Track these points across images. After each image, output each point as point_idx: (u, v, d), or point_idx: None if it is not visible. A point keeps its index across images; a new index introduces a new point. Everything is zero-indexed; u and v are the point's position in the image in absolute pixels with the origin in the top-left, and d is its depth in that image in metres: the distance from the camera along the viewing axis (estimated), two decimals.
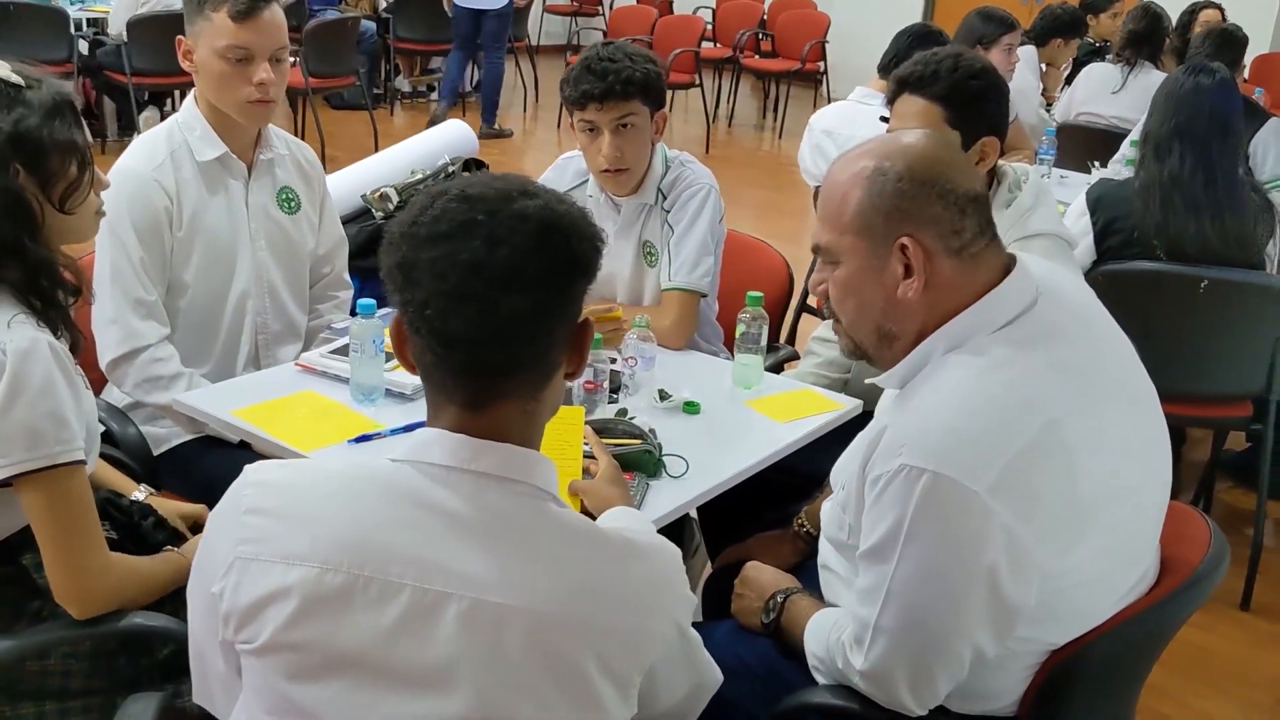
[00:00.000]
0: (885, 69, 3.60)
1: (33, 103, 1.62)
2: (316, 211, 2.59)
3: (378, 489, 1.18)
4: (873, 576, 1.48)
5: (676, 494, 1.94)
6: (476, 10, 8.24)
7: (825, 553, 1.77)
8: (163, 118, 7.59)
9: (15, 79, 1.63)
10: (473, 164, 3.13)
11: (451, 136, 3.32)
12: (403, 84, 9.75)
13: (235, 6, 2.26)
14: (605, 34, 9.83)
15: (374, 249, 2.90)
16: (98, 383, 2.40)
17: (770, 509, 2.33)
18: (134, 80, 6.84)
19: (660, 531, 2.60)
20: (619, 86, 2.43)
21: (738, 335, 2.36)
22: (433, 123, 8.15)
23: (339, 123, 8.38)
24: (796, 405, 2.29)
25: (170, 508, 1.99)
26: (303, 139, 7.77)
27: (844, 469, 1.78)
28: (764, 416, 2.25)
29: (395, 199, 2.96)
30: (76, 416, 1.62)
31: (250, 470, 1.23)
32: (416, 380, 2.20)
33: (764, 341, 2.35)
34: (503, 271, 1.12)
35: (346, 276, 2.70)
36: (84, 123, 1.71)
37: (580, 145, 2.56)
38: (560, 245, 1.15)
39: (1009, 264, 1.55)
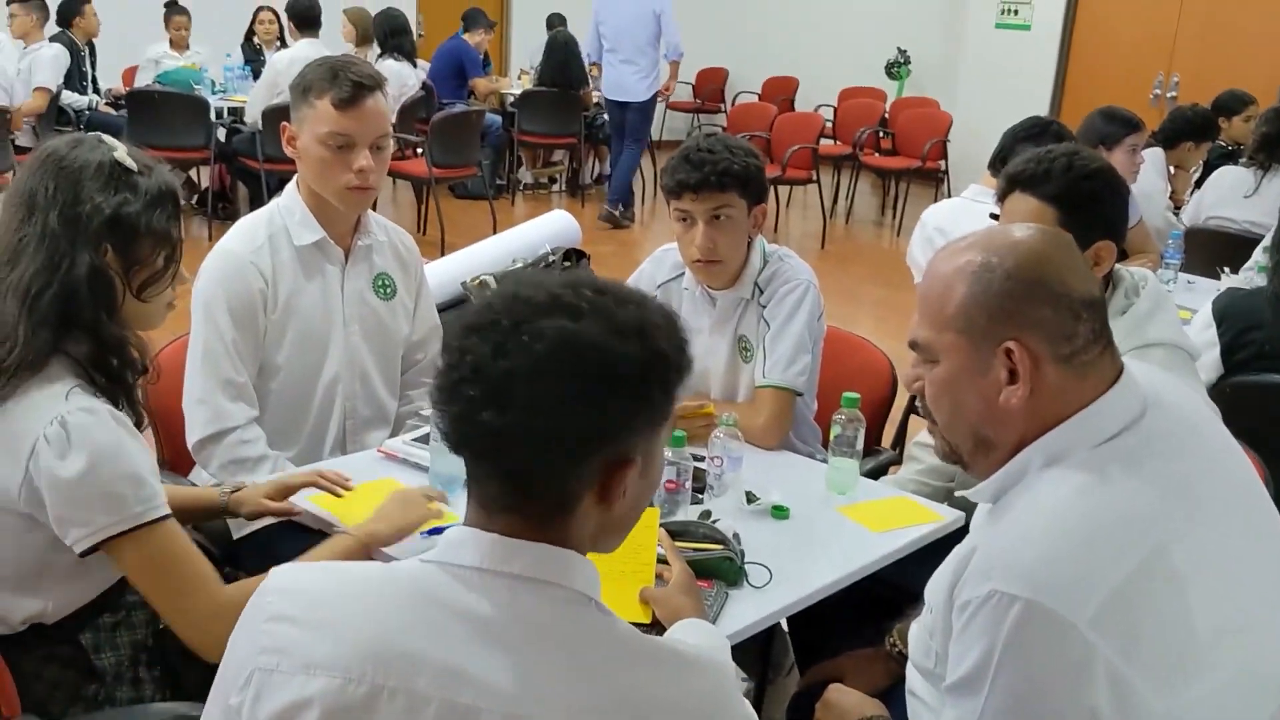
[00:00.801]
0: (994, 165, 3.49)
1: (139, 188, 1.65)
2: (412, 298, 2.59)
3: (405, 592, 1.11)
4: (959, 713, 1.36)
5: (758, 606, 1.83)
6: (621, 102, 8.53)
7: (913, 679, 1.64)
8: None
9: (129, 163, 1.66)
10: (574, 254, 3.11)
11: (556, 226, 3.32)
12: (525, 175, 9.93)
13: (339, 94, 2.29)
14: (725, 130, 9.91)
15: None
16: (185, 464, 2.41)
17: (865, 623, 2.20)
18: (266, 166, 7.08)
19: (749, 644, 2.51)
20: (714, 178, 2.38)
21: (832, 437, 2.26)
22: (605, 219, 8.50)
23: (461, 211, 8.55)
24: (893, 514, 2.17)
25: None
26: (425, 227, 7.97)
27: (935, 588, 1.66)
28: (858, 525, 2.13)
29: (493, 286, 2.95)
30: (153, 475, 1.62)
31: (275, 574, 1.18)
32: None
33: (860, 445, 2.24)
34: (492, 385, 1.05)
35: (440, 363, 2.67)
36: (181, 216, 1.73)
37: (676, 235, 2.52)
38: (571, 378, 1.06)
39: (1119, 374, 1.43)
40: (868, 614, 2.22)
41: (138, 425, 1.69)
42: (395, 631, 1.08)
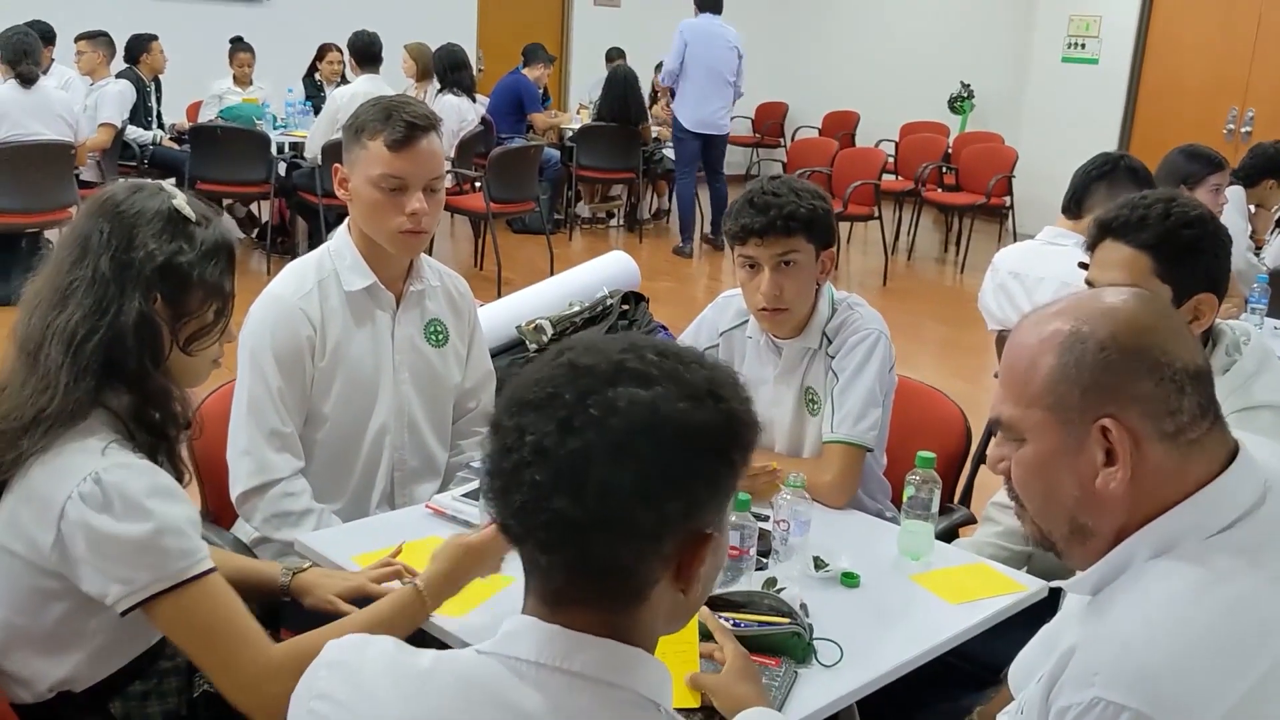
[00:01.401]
0: (1069, 208, 3.35)
1: (195, 238, 1.60)
2: (465, 344, 2.50)
3: (457, 685, 1.01)
4: None
5: (828, 686, 1.70)
6: (701, 135, 8.64)
7: None
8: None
9: (188, 212, 1.61)
10: (633, 297, 3.01)
11: (614, 269, 3.22)
12: (583, 210, 9.90)
13: (392, 135, 2.21)
14: (785, 165, 9.80)
15: None
16: (228, 517, 2.33)
17: (940, 698, 2.07)
18: (325, 201, 7.08)
19: None
20: (780, 222, 2.27)
21: (905, 499, 2.12)
22: (677, 252, 8.61)
23: (518, 246, 8.51)
24: (971, 584, 2.03)
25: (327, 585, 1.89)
26: (481, 262, 7.93)
27: (1023, 673, 1.52)
28: (933, 595, 1.99)
29: (550, 331, 2.86)
30: (194, 528, 1.55)
31: (330, 648, 1.09)
32: None
33: (935, 508, 2.11)
34: (563, 467, 0.95)
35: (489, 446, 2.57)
36: (234, 271, 1.67)
37: (740, 282, 2.40)
38: (652, 452, 0.96)
39: (1234, 451, 1.29)
40: (943, 686, 2.08)
41: (178, 481, 1.61)
42: None
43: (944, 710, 2.01)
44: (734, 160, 11.55)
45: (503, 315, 3.02)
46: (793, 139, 11.56)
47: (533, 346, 2.87)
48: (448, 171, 7.64)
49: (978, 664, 2.01)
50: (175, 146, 7.86)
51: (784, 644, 1.73)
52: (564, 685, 0.98)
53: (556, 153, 9.22)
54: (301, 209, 7.65)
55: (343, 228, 2.38)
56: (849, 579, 1.99)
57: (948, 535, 2.47)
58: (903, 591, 2.01)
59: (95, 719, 1.61)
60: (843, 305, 2.45)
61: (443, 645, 1.72)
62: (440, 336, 2.44)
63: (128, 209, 1.59)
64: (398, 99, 2.34)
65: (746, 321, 2.52)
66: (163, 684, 1.65)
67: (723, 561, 1.11)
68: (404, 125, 2.21)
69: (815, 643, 1.76)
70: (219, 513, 2.38)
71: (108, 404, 1.55)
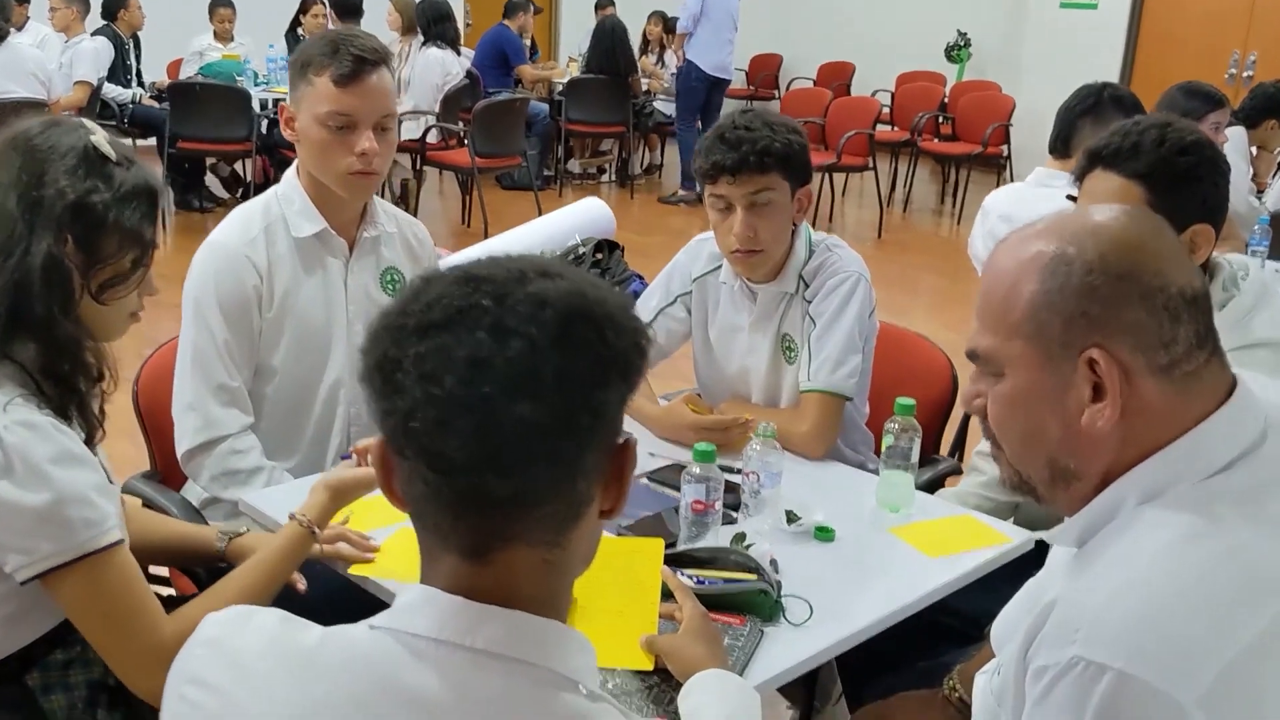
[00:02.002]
0: (1055, 147, 3.21)
1: (114, 179, 1.49)
2: None
3: (346, 666, 0.89)
4: None
5: (796, 646, 1.59)
6: (716, 79, 8.75)
7: None
8: None
9: (106, 150, 1.50)
10: (606, 245, 2.88)
11: (588, 216, 3.09)
12: (573, 166, 9.74)
13: (339, 70, 2.07)
14: None
15: None
16: (177, 478, 2.22)
17: (922, 655, 1.97)
18: None
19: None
20: (753, 158, 2.14)
21: (884, 448, 2.01)
22: (680, 200, 8.62)
23: (507, 203, 8.36)
24: (953, 536, 1.92)
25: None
26: (469, 219, 7.79)
27: (1005, 631, 1.42)
28: (912, 549, 1.88)
29: None
30: (102, 495, 1.44)
31: (208, 623, 0.97)
32: None
33: (915, 457, 2.00)
34: (512, 372, 0.84)
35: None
36: (158, 222, 1.57)
37: (712, 224, 2.28)
38: (591, 340, 0.87)
39: (1232, 386, 1.17)
40: (925, 641, 1.98)
41: (90, 437, 1.51)
42: (323, 717, 0.87)
43: (926, 668, 1.91)
44: (726, 113, 11.37)
45: None
46: (787, 89, 11.36)
47: None
48: (432, 126, 7.55)
49: (962, 619, 1.91)
50: (155, 105, 7.70)
51: (750, 602, 1.62)
52: (468, 665, 0.87)
53: (545, 107, 9.04)
54: (284, 166, 7.49)
55: (291, 171, 2.26)
56: (823, 533, 1.88)
57: (932, 486, 2.37)
58: (880, 545, 1.90)
59: (11, 692, 1.51)
60: (820, 247, 2.33)
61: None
62: (396, 285, 2.31)
63: (41, 144, 1.48)
64: (346, 32, 2.20)
65: (720, 266, 2.40)
66: (86, 652, 1.54)
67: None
68: (351, 59, 2.08)
69: (784, 600, 1.66)
70: (166, 473, 2.27)
71: (13, 356, 1.44)
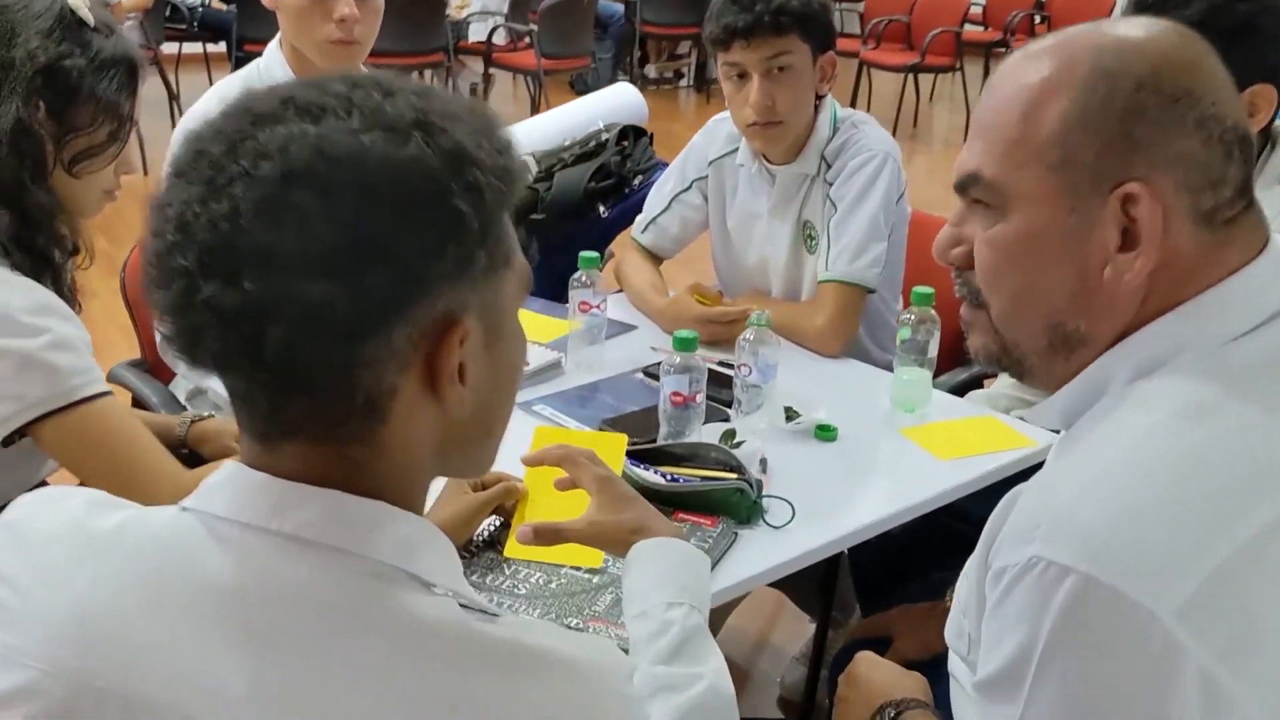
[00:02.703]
0: None
1: (91, 46, 1.43)
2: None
3: (143, 550, 0.76)
4: None
5: (772, 550, 1.45)
6: None
7: (952, 659, 1.24)
8: None
9: (85, 15, 1.43)
10: (631, 131, 2.70)
11: (616, 102, 2.91)
12: (650, 70, 9.48)
13: None
14: (862, 16, 9.20)
15: None
16: (168, 372, 2.14)
17: (936, 565, 1.81)
18: (370, 60, 6.79)
19: (808, 580, 2.14)
20: (768, 19, 1.94)
21: (898, 342, 1.83)
22: None
23: None
24: (969, 438, 1.75)
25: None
26: None
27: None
28: (922, 451, 1.71)
29: (535, 169, 2.59)
30: (88, 349, 1.42)
31: (15, 505, 0.84)
32: None
33: (933, 352, 1.82)
34: (209, 242, 0.69)
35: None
36: (137, 95, 1.50)
37: (726, 96, 2.08)
38: (318, 204, 0.69)
39: (1264, 244, 0.97)
40: (946, 552, 1.82)
41: None
42: (114, 609, 0.74)
43: (941, 579, 1.76)
44: None
45: None
46: None
47: None
48: (498, 27, 7.36)
49: (980, 527, 1.75)
50: (224, 7, 7.63)
51: (724, 502, 1.48)
52: (273, 552, 0.73)
53: (620, 8, 8.77)
54: None
55: (274, 41, 2.12)
56: (824, 432, 1.72)
57: (963, 390, 2.18)
58: (887, 446, 1.74)
59: None
60: (845, 124, 2.13)
61: None
62: None
63: (13, 3, 1.41)
64: None
65: (738, 149, 2.21)
66: None
67: (514, 372, 0.85)
68: None
69: (765, 501, 1.50)
70: (156, 364, 2.19)
71: None
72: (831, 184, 2.09)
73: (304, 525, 0.73)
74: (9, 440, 1.41)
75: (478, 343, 0.77)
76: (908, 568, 1.85)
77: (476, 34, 7.37)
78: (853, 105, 6.98)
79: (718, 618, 2.57)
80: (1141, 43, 0.94)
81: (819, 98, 2.09)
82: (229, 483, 0.76)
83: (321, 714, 0.70)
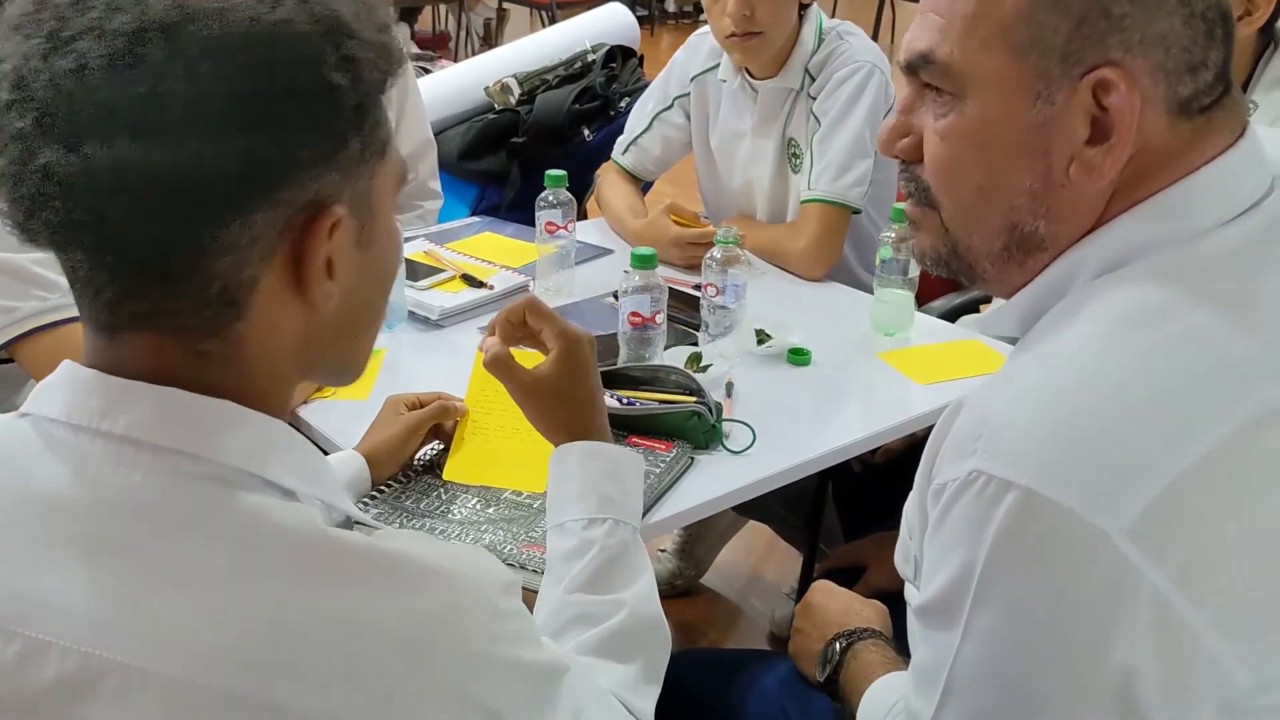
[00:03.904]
0: None
1: None
2: (392, 106, 2.14)
3: None
4: (930, 650, 0.88)
5: (729, 476, 1.38)
6: None
7: (907, 588, 1.17)
8: (413, 35, 7.54)
9: None
10: (619, 52, 2.60)
11: (606, 23, 2.81)
12: (669, 4, 9.29)
13: None
14: None
15: (486, 148, 2.46)
16: None
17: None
18: None
19: (794, 511, 2.07)
20: None
21: (878, 263, 1.75)
22: None
23: None
24: (950, 362, 1.67)
25: None
26: None
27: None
28: (899, 374, 1.63)
29: (517, 90, 2.49)
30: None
31: None
32: (448, 302, 1.79)
33: (915, 272, 1.73)
34: (49, 103, 0.61)
35: (435, 184, 2.26)
36: None
37: (705, 7, 1.98)
38: (176, 62, 0.62)
39: (1242, 131, 0.88)
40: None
41: None
42: None
43: None
44: None
45: (472, 76, 2.65)
46: None
47: (498, 108, 2.51)
48: None
49: None
50: None
51: (681, 426, 1.40)
52: (106, 456, 0.67)
53: None
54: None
55: None
56: (797, 355, 1.64)
57: (958, 313, 2.08)
58: (863, 371, 1.66)
59: None
60: (831, 35, 2.02)
61: None
62: None
63: None
64: None
65: (719, 64, 2.11)
66: None
67: (388, 275, 0.78)
68: None
69: (725, 425, 1.43)
70: None
71: None
72: (816, 98, 1.99)
73: (135, 425, 0.67)
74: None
75: (348, 236, 0.71)
76: (892, 497, 1.78)
77: None
78: (874, 35, 6.79)
79: (709, 554, 2.53)
80: None
81: (804, 7, 1.99)
82: (63, 383, 0.70)
83: (159, 626, 0.64)
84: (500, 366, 1.10)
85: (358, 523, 0.83)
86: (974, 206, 0.90)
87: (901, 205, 1.68)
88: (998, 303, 2.01)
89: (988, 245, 0.91)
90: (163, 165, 0.62)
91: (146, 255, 0.65)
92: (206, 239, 0.65)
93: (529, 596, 0.91)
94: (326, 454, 1.35)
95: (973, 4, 0.85)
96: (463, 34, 7.43)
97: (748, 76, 2.06)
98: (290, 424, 0.74)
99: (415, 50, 7.16)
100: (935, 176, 0.91)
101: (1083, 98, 0.82)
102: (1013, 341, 0.99)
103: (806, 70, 2.00)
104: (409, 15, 7.42)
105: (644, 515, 1.26)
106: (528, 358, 1.11)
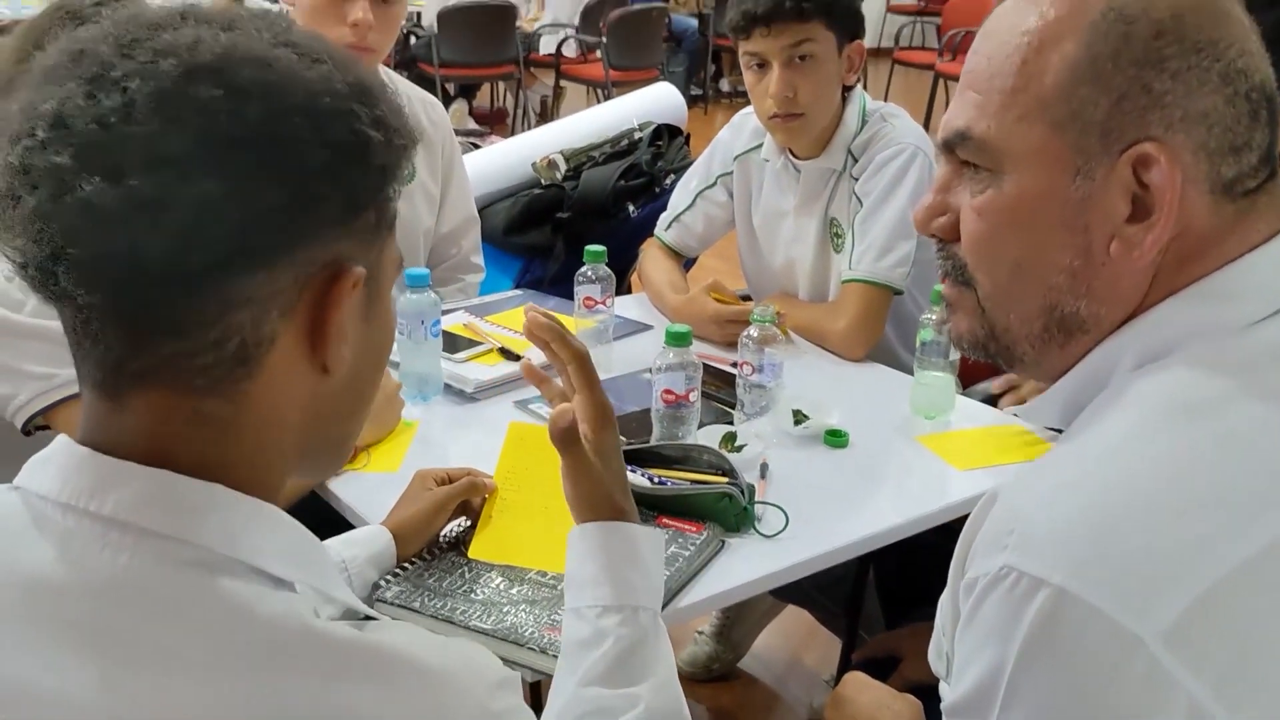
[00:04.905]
0: None
1: None
2: (437, 181, 2.17)
3: None
4: None
5: (761, 560, 1.34)
6: None
7: (941, 684, 1.13)
8: (471, 111, 7.68)
9: None
10: (666, 131, 2.62)
11: (654, 102, 2.84)
12: (724, 84, 9.41)
13: None
14: (939, 28, 9.02)
15: (532, 222, 2.48)
16: None
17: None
18: (441, 71, 6.84)
19: (833, 594, 2.02)
20: (790, 4, 1.85)
21: (918, 345, 1.72)
22: None
23: None
24: (991, 448, 1.63)
25: None
26: None
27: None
28: (938, 459, 1.60)
29: (564, 166, 2.51)
30: None
31: None
32: (483, 375, 1.79)
33: (956, 356, 1.70)
34: (94, 138, 0.61)
35: (477, 259, 2.27)
36: None
37: (748, 87, 1.99)
38: (228, 107, 0.62)
39: None
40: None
41: None
42: None
43: None
44: (889, 31, 10.79)
45: (520, 152, 2.68)
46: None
47: (544, 184, 2.53)
48: (568, 38, 7.33)
49: None
50: None
51: (712, 508, 1.38)
52: (94, 537, 0.65)
53: (694, 22, 8.71)
54: (420, 82, 7.43)
55: None
56: (834, 437, 1.61)
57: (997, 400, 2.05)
58: (902, 455, 1.63)
59: None
60: (875, 117, 2.02)
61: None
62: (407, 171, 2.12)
63: None
64: None
65: (763, 144, 2.11)
66: None
67: (385, 339, 0.77)
68: None
69: (760, 509, 1.40)
70: None
71: None
72: (858, 179, 1.98)
73: (124, 506, 0.66)
74: (29, 428, 1.36)
75: (358, 308, 0.71)
76: (932, 583, 1.74)
77: (547, 46, 7.35)
78: (926, 120, 6.80)
79: (747, 638, 2.48)
80: None
81: (847, 89, 1.99)
82: (56, 458, 0.69)
83: (136, 714, 0.62)
84: (568, 440, 1.03)
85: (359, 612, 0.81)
86: (1012, 285, 0.88)
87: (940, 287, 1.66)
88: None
89: (1027, 326, 0.89)
90: (202, 201, 0.62)
91: (171, 298, 0.64)
92: (234, 285, 0.65)
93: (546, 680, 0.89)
94: (354, 527, 1.34)
95: (1011, 79, 0.84)
96: (519, 111, 7.55)
97: (791, 156, 2.06)
98: (316, 495, 0.73)
99: (473, 125, 7.31)
100: (972, 254, 0.89)
101: (1123, 174, 0.80)
102: (1057, 430, 0.97)
103: (849, 151, 2.00)
104: (468, 91, 7.56)
105: (673, 599, 1.24)
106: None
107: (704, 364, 1.63)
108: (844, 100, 2.00)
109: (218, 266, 0.63)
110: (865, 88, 2.05)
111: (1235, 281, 0.82)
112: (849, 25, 1.92)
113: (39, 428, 1.38)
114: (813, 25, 1.88)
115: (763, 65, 1.93)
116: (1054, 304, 0.86)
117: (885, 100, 2.08)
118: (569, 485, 1.06)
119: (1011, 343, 0.90)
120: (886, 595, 1.99)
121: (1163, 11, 0.80)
